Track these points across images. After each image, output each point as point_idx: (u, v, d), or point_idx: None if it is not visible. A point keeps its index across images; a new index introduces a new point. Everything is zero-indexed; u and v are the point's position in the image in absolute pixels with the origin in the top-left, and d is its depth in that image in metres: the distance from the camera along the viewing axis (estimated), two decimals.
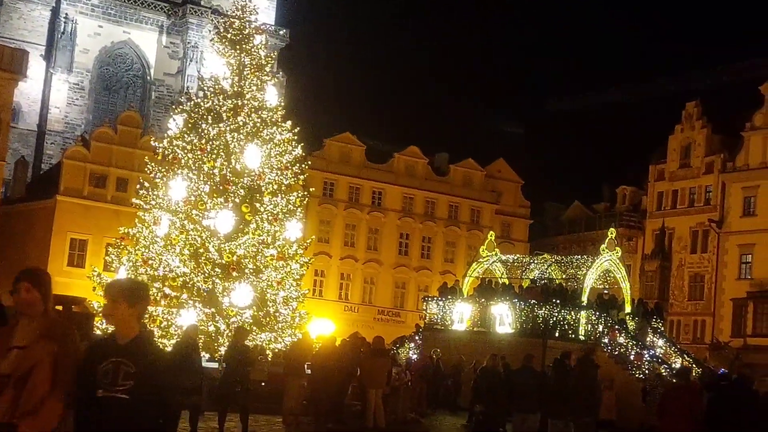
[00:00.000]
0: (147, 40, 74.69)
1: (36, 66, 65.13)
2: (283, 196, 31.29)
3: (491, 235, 40.47)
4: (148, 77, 74.96)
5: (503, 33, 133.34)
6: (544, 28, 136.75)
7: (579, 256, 39.03)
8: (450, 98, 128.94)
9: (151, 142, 33.78)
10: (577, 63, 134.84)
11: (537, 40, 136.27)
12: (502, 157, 70.82)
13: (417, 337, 37.37)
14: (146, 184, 31.58)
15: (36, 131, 69.59)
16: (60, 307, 24.42)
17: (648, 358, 32.42)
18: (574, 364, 19.83)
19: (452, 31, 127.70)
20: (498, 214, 68.45)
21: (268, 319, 29.94)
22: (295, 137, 32.20)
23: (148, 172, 31.78)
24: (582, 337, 33.17)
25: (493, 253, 38.79)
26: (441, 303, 37.01)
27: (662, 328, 37.47)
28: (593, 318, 33.49)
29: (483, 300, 35.62)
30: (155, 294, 29.55)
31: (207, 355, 27.79)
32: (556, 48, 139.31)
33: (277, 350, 28.86)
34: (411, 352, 35.73)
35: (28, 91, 65.32)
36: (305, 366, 20.78)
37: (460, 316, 36.14)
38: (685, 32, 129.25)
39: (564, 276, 36.46)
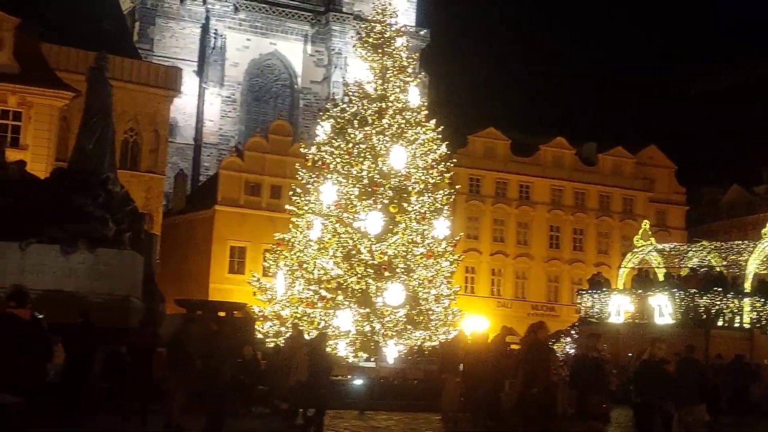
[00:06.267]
0: (293, 50, 76.35)
1: (189, 82, 67.37)
2: (430, 194, 31.53)
3: (645, 224, 39.67)
4: (296, 86, 76.59)
5: (649, 19, 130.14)
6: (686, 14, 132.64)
7: (740, 242, 37.82)
8: (595, 87, 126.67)
9: (301, 149, 34.54)
10: (717, 40, 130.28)
11: (676, 23, 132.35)
12: (653, 143, 69.09)
13: (573, 332, 36.95)
14: (298, 190, 32.31)
15: (193, 144, 72.02)
16: (223, 313, 25.33)
17: None
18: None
19: (594, 19, 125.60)
20: (652, 202, 66.75)
21: (421, 317, 30.17)
22: (439, 136, 32.38)
23: (300, 178, 32.53)
24: (747, 326, 32.11)
25: (649, 242, 38.01)
26: (596, 296, 36.44)
27: None
28: (758, 305, 32.36)
29: (640, 291, 34.91)
30: (312, 296, 30.24)
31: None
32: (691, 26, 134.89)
33: (431, 348, 29.04)
34: (567, 347, 35.37)
35: (183, 107, 67.51)
36: (459, 363, 20.84)
37: (617, 308, 35.52)
38: None
39: (724, 263, 35.37)
